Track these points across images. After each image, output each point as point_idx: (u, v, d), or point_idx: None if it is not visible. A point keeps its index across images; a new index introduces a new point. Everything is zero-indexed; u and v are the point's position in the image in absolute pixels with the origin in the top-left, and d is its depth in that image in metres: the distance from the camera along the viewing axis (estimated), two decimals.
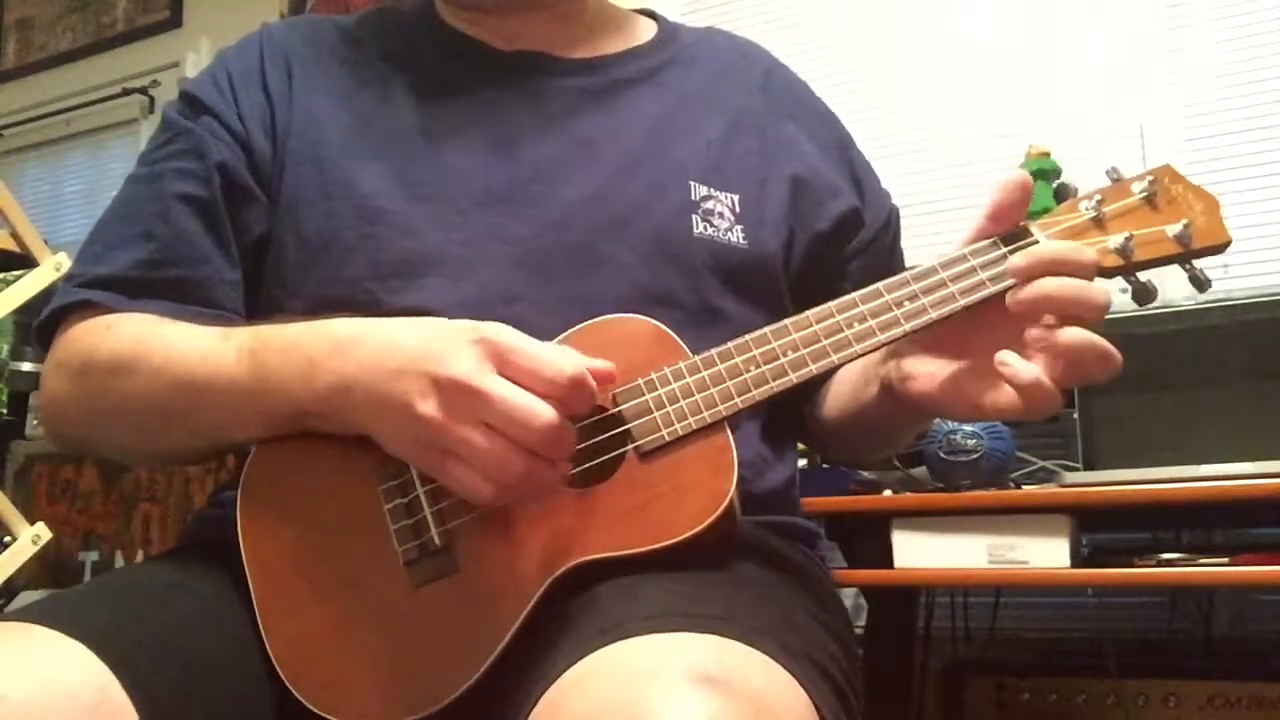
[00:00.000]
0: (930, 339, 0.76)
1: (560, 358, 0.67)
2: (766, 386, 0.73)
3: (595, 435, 0.72)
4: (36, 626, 0.65)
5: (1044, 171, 1.75)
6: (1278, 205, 1.98)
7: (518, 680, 0.65)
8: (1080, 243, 0.74)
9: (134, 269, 0.85)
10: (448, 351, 0.68)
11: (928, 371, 0.76)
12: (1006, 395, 0.71)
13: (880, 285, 0.75)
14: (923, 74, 2.32)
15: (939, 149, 2.27)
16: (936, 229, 2.00)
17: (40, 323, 0.87)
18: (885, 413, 0.84)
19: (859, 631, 1.72)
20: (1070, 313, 0.70)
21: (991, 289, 0.73)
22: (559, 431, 0.67)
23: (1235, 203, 1.57)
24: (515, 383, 0.67)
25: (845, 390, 0.92)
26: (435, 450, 0.69)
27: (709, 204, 0.88)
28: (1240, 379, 1.43)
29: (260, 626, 0.73)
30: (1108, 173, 0.79)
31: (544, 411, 0.66)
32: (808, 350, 0.74)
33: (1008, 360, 0.69)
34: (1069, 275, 0.70)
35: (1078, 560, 1.41)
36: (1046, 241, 0.74)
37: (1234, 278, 1.95)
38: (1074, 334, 0.69)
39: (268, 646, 0.72)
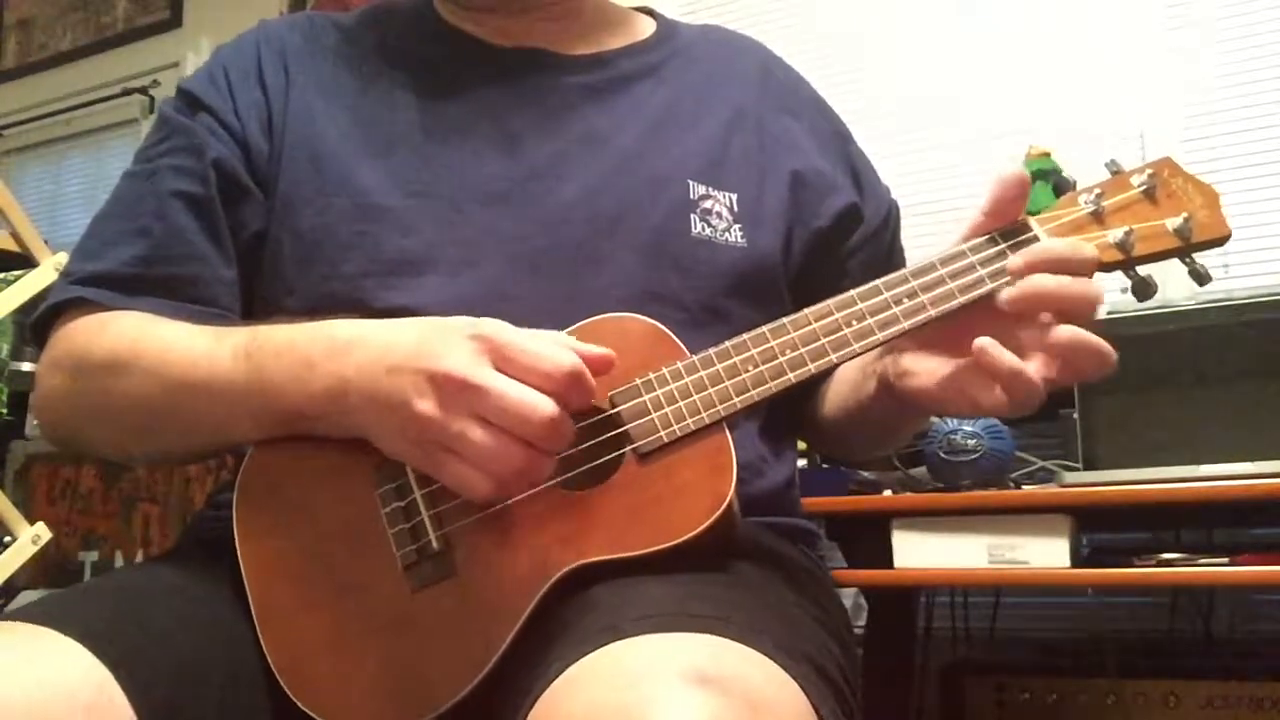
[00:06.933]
0: (929, 335, 0.75)
1: (557, 352, 0.67)
2: (765, 386, 0.72)
3: (593, 437, 0.72)
4: (35, 626, 0.64)
5: (1044, 171, 1.74)
6: (1278, 205, 1.98)
7: (515, 681, 0.64)
8: (1080, 238, 0.74)
9: (129, 266, 0.84)
10: (444, 348, 0.68)
11: (926, 368, 0.75)
12: (1000, 391, 0.71)
13: (879, 282, 0.75)
14: (922, 74, 2.32)
15: (939, 149, 2.27)
16: (936, 229, 1.99)
17: (35, 319, 0.86)
18: (883, 409, 0.84)
19: (859, 631, 1.72)
20: (1064, 310, 0.70)
21: (990, 286, 0.73)
22: (558, 424, 0.66)
23: (1235, 202, 1.57)
24: (513, 378, 0.66)
25: (844, 388, 0.91)
26: (433, 447, 0.68)
27: (707, 203, 0.88)
28: (1240, 379, 1.43)
29: (259, 633, 0.73)
30: (1107, 165, 0.78)
31: (542, 404, 0.66)
32: (806, 349, 0.73)
33: (987, 349, 0.69)
34: (1067, 273, 0.70)
35: (1078, 560, 1.41)
36: (1046, 240, 0.74)
37: (1234, 277, 1.95)
38: (1068, 332, 0.69)
39: (266, 653, 0.72)
